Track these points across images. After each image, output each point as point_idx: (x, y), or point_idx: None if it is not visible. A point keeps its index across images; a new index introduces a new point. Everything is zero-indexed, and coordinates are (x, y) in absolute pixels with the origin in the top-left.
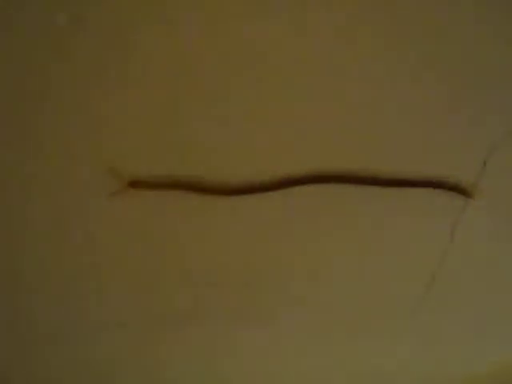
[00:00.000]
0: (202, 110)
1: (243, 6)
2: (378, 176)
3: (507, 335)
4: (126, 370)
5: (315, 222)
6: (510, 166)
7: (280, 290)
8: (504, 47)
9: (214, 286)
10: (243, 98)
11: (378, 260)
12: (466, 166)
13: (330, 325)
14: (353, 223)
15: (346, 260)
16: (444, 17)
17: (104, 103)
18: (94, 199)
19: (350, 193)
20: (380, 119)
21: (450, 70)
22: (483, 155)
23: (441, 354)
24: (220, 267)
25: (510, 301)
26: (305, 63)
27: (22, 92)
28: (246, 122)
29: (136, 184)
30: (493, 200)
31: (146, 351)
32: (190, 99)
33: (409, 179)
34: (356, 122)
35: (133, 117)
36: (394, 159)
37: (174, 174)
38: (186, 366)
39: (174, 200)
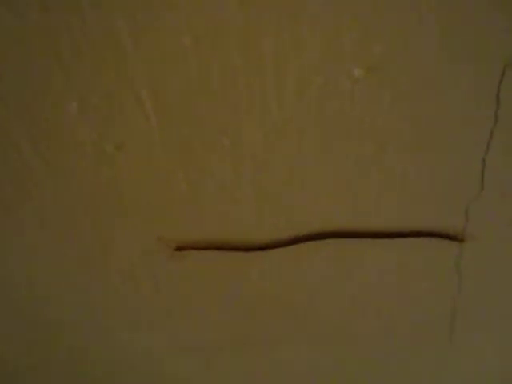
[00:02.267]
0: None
1: None
2: (377, 229)
3: None
4: None
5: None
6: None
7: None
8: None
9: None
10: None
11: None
12: (450, 213)
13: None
14: (361, 272)
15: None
16: None
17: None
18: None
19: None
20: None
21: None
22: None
23: None
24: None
25: None
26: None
27: None
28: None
29: (182, 248)
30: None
31: None
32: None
33: (402, 231)
34: (352, 185)
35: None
36: (390, 214)
37: (209, 237)
38: None
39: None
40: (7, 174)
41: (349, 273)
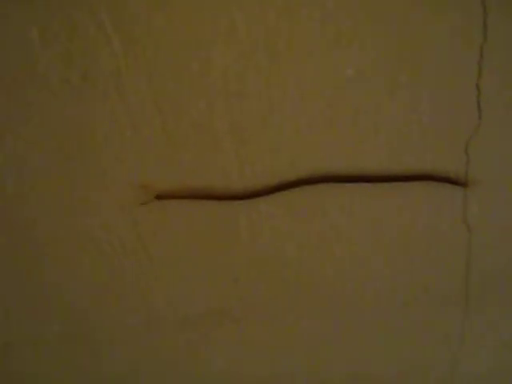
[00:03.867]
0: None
1: None
2: (372, 173)
3: None
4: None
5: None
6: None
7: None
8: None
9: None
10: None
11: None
12: (451, 156)
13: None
14: (358, 223)
15: (349, 255)
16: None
17: None
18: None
19: (349, 191)
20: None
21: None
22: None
23: None
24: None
25: None
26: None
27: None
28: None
29: (161, 196)
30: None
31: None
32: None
33: (401, 174)
34: (343, 123)
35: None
36: (383, 156)
37: (189, 184)
38: None
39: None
40: None
41: (343, 223)
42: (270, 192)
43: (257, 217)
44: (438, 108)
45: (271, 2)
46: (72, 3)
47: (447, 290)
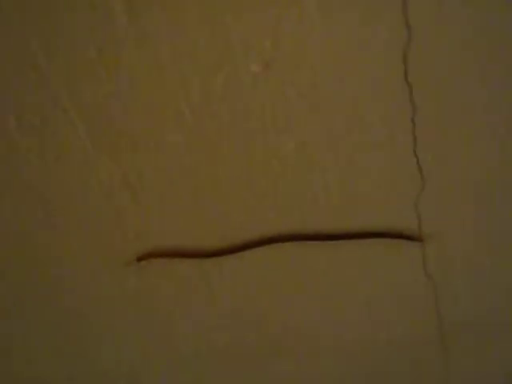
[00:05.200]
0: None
1: None
2: (336, 231)
3: None
4: None
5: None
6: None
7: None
8: None
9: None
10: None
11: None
12: (401, 212)
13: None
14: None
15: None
16: None
17: None
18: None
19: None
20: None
21: None
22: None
23: None
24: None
25: None
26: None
27: None
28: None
29: (141, 258)
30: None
31: None
32: None
33: (359, 232)
34: (297, 184)
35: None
36: (339, 215)
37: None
38: None
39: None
40: None
41: (309, 279)
42: (237, 250)
43: (228, 273)
44: (382, 171)
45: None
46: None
47: (421, 341)
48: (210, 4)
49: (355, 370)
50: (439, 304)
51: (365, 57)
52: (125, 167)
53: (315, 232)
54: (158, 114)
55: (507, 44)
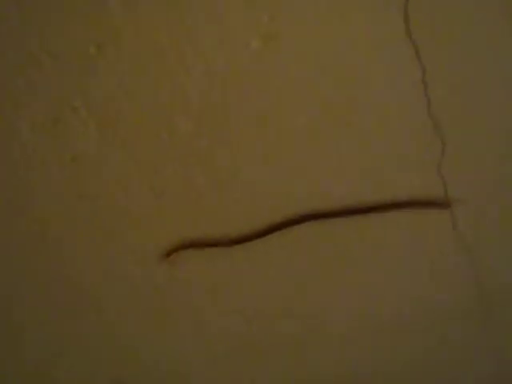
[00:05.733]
0: None
1: None
2: (360, 205)
3: None
4: None
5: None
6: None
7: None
8: None
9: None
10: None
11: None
12: (425, 179)
13: None
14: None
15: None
16: None
17: None
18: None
19: (338, 226)
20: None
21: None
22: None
23: None
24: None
25: None
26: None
27: None
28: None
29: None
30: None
31: None
32: None
33: (388, 203)
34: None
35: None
36: (362, 188)
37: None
38: None
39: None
40: None
41: (336, 257)
42: (263, 234)
43: (257, 258)
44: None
45: None
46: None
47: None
48: None
49: (392, 347)
50: (477, 272)
51: (366, 19)
52: (139, 161)
53: (339, 208)
54: (165, 101)
55: None
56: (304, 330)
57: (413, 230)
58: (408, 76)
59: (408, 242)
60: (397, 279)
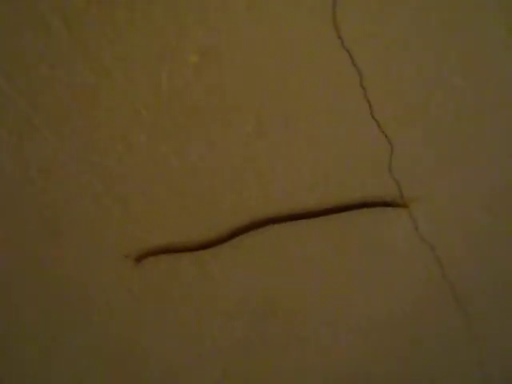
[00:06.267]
0: None
1: None
2: (319, 208)
3: None
4: None
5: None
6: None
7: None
8: None
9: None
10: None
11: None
12: (378, 180)
13: None
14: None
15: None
16: None
17: None
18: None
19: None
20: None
21: None
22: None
23: None
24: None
25: None
26: None
27: None
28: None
29: (141, 257)
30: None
31: None
32: None
33: (345, 204)
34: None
35: None
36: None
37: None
38: None
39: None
40: None
41: (299, 257)
42: (228, 238)
43: (226, 262)
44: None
45: None
46: None
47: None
48: (139, 7)
49: (371, 346)
50: (444, 269)
51: (299, 30)
52: (103, 174)
53: (299, 211)
54: (118, 117)
55: None
56: (278, 329)
57: (375, 231)
58: (347, 82)
59: (371, 241)
60: (362, 279)
